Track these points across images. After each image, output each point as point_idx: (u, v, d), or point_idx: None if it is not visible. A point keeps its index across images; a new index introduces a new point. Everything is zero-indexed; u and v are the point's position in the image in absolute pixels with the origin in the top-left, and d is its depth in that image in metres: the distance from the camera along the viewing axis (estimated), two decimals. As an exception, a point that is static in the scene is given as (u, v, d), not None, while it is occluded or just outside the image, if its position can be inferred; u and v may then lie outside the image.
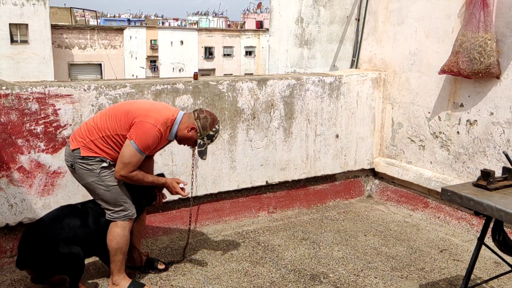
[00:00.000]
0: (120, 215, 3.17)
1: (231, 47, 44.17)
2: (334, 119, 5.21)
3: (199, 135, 3.22)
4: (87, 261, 3.30)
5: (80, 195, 3.71)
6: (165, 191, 3.47)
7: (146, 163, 3.31)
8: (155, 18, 66.74)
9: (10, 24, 24.52)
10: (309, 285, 3.56)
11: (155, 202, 3.46)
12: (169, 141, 3.32)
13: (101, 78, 26.60)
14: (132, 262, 3.56)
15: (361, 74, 5.38)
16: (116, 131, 3.07)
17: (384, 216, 5.00)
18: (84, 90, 3.84)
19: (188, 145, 3.37)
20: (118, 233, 3.15)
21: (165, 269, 3.66)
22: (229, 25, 55.16)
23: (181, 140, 3.28)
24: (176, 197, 4.36)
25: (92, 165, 3.07)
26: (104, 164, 3.08)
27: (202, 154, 3.28)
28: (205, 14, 60.78)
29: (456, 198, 2.81)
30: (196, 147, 3.28)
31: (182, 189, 3.32)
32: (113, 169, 3.11)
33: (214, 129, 3.24)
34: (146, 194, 3.38)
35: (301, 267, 3.83)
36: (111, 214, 3.18)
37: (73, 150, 3.07)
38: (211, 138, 3.26)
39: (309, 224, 4.72)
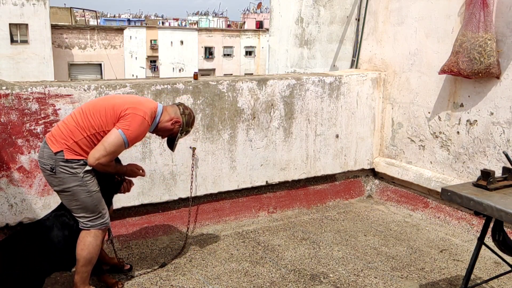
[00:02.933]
0: (96, 223, 3.03)
1: (231, 47, 44.19)
2: (334, 119, 5.21)
3: (181, 130, 3.24)
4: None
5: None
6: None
7: None
8: (155, 18, 66.81)
9: (10, 24, 24.54)
10: (309, 285, 3.56)
11: (122, 189, 3.32)
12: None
13: (101, 78, 26.62)
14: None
15: (361, 74, 5.38)
16: (102, 127, 2.94)
17: (384, 216, 5.00)
18: (84, 90, 3.84)
19: (161, 136, 3.32)
20: (90, 242, 3.00)
21: (130, 269, 3.61)
22: (229, 25, 55.17)
23: (159, 131, 3.22)
24: (176, 197, 4.38)
25: (76, 168, 2.91)
26: (88, 168, 2.94)
27: (174, 147, 3.33)
28: (205, 14, 60.81)
29: (456, 198, 2.81)
30: (176, 140, 3.28)
31: (142, 170, 3.34)
32: (94, 173, 2.99)
33: (192, 127, 3.36)
34: (110, 182, 3.23)
35: (301, 267, 3.84)
36: (86, 222, 3.01)
37: (55, 153, 2.89)
38: (186, 134, 3.37)
39: (309, 224, 4.72)
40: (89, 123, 2.94)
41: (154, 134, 3.32)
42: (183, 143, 4.31)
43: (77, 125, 2.93)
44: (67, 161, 2.90)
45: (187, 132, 3.35)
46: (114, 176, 3.26)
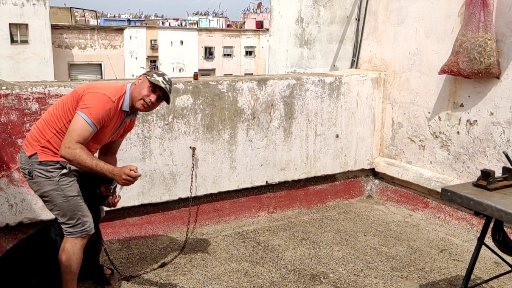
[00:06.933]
0: (76, 229, 2.94)
1: (231, 47, 44.16)
2: (334, 119, 5.21)
3: (147, 76, 2.97)
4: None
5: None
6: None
7: (109, 159, 3.19)
8: (155, 18, 66.69)
9: (10, 24, 24.51)
10: (309, 285, 3.56)
11: (107, 203, 3.18)
12: (126, 116, 3.04)
13: (101, 78, 26.61)
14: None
15: (361, 74, 5.38)
16: (68, 117, 2.84)
17: (384, 216, 5.00)
18: (84, 90, 3.83)
19: (148, 101, 2.96)
20: (68, 249, 2.94)
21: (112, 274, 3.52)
22: (229, 25, 55.14)
23: (137, 97, 2.95)
24: (176, 197, 4.38)
25: (52, 172, 2.85)
26: (64, 171, 2.87)
27: (167, 99, 3.03)
28: (205, 14, 60.75)
29: (456, 198, 2.81)
30: (154, 82, 2.95)
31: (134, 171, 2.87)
32: (74, 178, 2.92)
33: (160, 73, 3.01)
34: (91, 192, 3.07)
35: (301, 267, 3.83)
36: (67, 229, 2.95)
37: (30, 156, 2.84)
38: (162, 76, 2.99)
39: (309, 224, 4.72)
40: (54, 118, 2.88)
41: (145, 106, 2.99)
42: (183, 143, 4.32)
43: (46, 123, 2.88)
44: (41, 163, 2.84)
45: (159, 74, 2.99)
46: (95, 187, 3.09)
